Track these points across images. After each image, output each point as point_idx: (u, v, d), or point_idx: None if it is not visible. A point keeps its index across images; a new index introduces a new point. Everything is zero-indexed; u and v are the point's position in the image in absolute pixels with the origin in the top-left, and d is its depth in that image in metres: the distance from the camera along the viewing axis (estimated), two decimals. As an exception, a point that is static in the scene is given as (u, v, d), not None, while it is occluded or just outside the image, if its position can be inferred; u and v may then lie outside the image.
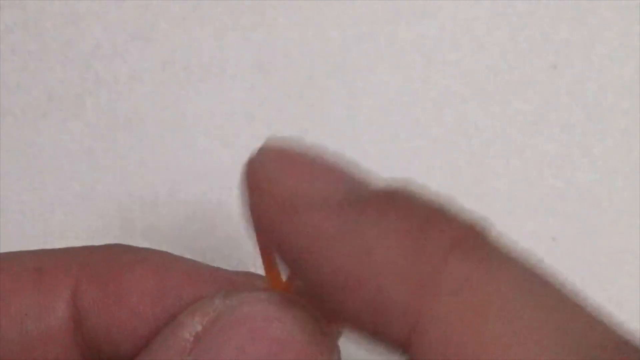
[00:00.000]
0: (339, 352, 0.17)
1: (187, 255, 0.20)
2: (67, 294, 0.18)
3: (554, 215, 0.31)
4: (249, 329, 0.16)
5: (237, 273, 0.19)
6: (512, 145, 0.31)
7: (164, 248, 0.21)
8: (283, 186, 0.16)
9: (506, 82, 0.31)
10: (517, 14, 0.32)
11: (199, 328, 0.16)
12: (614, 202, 0.31)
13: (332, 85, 0.31)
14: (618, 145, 0.31)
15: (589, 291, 0.32)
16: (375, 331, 0.15)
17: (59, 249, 0.20)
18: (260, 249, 0.18)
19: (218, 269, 0.19)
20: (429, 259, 0.14)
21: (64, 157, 0.31)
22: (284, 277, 0.18)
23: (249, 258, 0.29)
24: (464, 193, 0.31)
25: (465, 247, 0.15)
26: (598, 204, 0.31)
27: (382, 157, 0.31)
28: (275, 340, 0.16)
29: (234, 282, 0.18)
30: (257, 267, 0.19)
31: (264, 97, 0.32)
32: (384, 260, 0.15)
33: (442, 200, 0.16)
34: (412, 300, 0.14)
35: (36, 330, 0.18)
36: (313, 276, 0.15)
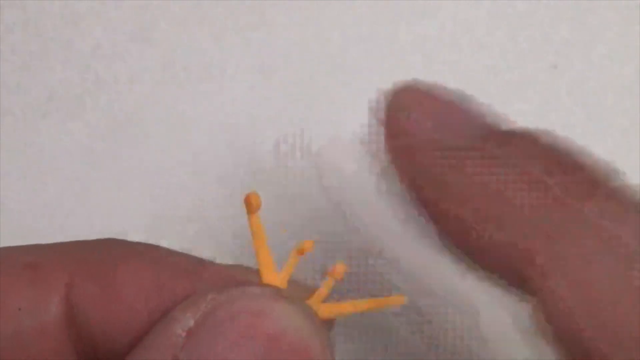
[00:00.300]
0: (333, 346, 0.17)
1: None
2: (61, 289, 0.18)
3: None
4: (241, 324, 0.16)
5: (232, 267, 0.19)
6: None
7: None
8: (417, 126, 0.17)
9: (506, 82, 0.31)
10: (517, 14, 0.32)
11: (192, 323, 0.16)
12: (614, 202, 0.31)
13: (332, 85, 0.31)
14: (618, 145, 0.31)
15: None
16: (505, 276, 0.15)
17: (53, 244, 0.20)
18: (254, 239, 0.18)
19: (213, 263, 0.19)
20: (566, 198, 0.15)
21: (64, 157, 0.31)
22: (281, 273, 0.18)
23: (249, 258, 0.29)
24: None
25: (602, 191, 0.15)
26: (598, 204, 0.31)
27: (382, 157, 0.31)
28: (268, 336, 0.16)
29: (228, 277, 0.18)
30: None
31: (264, 97, 0.32)
32: (516, 202, 0.15)
33: (570, 145, 0.16)
34: (541, 241, 0.15)
35: (31, 326, 0.18)
36: (437, 216, 0.16)
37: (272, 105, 0.31)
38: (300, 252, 0.18)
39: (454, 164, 0.16)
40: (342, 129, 0.31)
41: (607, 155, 0.31)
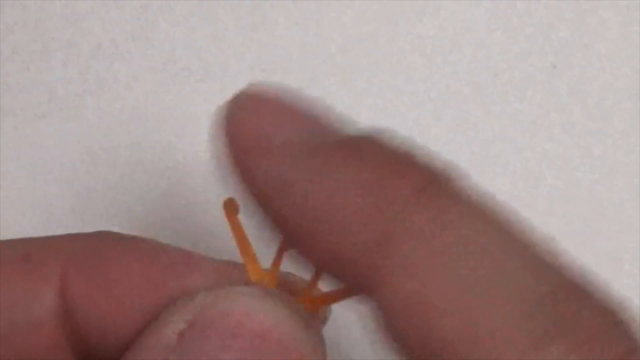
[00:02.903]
0: (323, 342, 0.17)
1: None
2: (55, 282, 0.18)
3: (554, 215, 0.31)
4: (229, 324, 0.16)
5: (223, 263, 0.19)
6: (512, 145, 0.31)
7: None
8: (254, 130, 0.17)
9: (506, 82, 0.31)
10: (517, 14, 0.32)
11: (182, 326, 0.16)
12: (614, 202, 0.30)
13: (332, 85, 0.31)
14: (618, 145, 0.31)
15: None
16: (343, 278, 0.16)
17: (47, 237, 0.20)
18: (238, 242, 0.18)
19: (205, 258, 0.19)
20: (390, 205, 0.15)
21: (64, 157, 0.31)
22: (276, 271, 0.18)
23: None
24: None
25: (429, 194, 0.15)
26: (598, 204, 0.31)
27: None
28: (256, 335, 0.16)
29: (220, 273, 0.19)
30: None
31: (264, 97, 0.32)
32: (346, 207, 0.15)
33: (411, 147, 0.16)
34: (373, 246, 0.15)
35: (25, 319, 0.18)
36: (280, 220, 0.16)
37: (272, 105, 0.31)
38: (285, 247, 0.18)
39: (295, 168, 0.16)
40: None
41: (607, 155, 0.31)
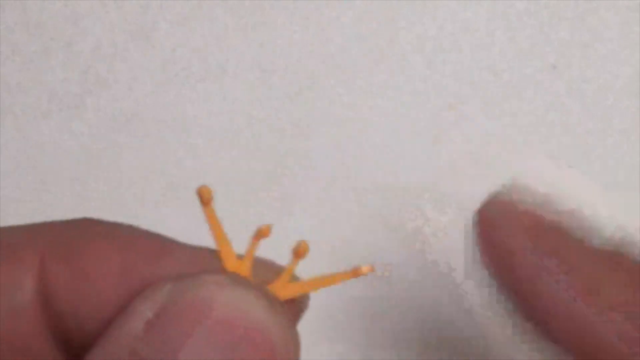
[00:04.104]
0: (296, 332, 0.17)
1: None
2: (35, 268, 0.18)
3: (554, 215, 0.31)
4: (194, 313, 0.16)
5: (199, 249, 0.19)
6: (512, 145, 0.31)
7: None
8: (507, 240, 0.19)
9: (506, 82, 0.31)
10: (517, 14, 0.32)
11: (150, 315, 0.16)
12: (613, 202, 0.30)
13: (332, 85, 0.31)
14: (618, 145, 0.31)
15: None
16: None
17: (27, 224, 0.20)
18: (212, 229, 0.18)
19: (181, 245, 0.19)
20: None
21: (64, 157, 0.31)
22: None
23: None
24: (464, 193, 0.31)
25: None
26: (598, 204, 0.31)
27: (382, 157, 0.31)
28: (221, 322, 0.16)
29: (195, 260, 0.19)
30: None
31: (264, 97, 0.32)
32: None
33: None
34: None
35: (5, 305, 0.18)
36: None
37: (272, 105, 0.32)
38: (259, 237, 0.18)
39: (555, 285, 0.18)
40: (342, 129, 0.31)
41: (607, 155, 0.31)
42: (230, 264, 0.18)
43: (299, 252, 0.18)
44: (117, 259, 0.18)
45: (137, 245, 0.19)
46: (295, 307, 0.19)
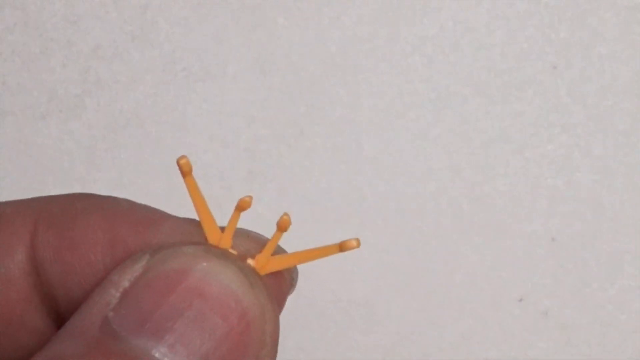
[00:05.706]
0: (275, 308, 0.17)
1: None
2: (26, 237, 0.19)
3: (554, 215, 0.31)
4: (166, 282, 0.16)
5: (186, 221, 0.19)
6: (512, 145, 0.31)
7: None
8: None
9: (506, 82, 0.31)
10: (517, 14, 0.32)
11: (127, 285, 0.16)
12: (614, 202, 0.31)
13: (332, 85, 0.31)
14: (618, 145, 0.31)
15: (589, 291, 0.32)
16: None
17: (20, 199, 0.20)
18: (194, 201, 0.18)
19: (169, 217, 0.19)
20: None
21: (64, 157, 0.31)
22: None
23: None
24: (464, 193, 0.31)
25: None
26: (598, 204, 0.31)
27: (382, 157, 0.31)
28: (192, 291, 0.16)
29: (182, 231, 0.19)
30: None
31: (264, 97, 0.32)
32: None
33: None
34: None
35: None
36: None
37: (272, 105, 0.32)
38: (240, 208, 0.18)
39: None
40: (342, 129, 0.31)
41: (607, 155, 0.31)
42: (212, 236, 0.18)
43: (282, 225, 0.18)
44: (106, 229, 0.18)
45: (127, 217, 0.19)
46: (281, 282, 0.19)
